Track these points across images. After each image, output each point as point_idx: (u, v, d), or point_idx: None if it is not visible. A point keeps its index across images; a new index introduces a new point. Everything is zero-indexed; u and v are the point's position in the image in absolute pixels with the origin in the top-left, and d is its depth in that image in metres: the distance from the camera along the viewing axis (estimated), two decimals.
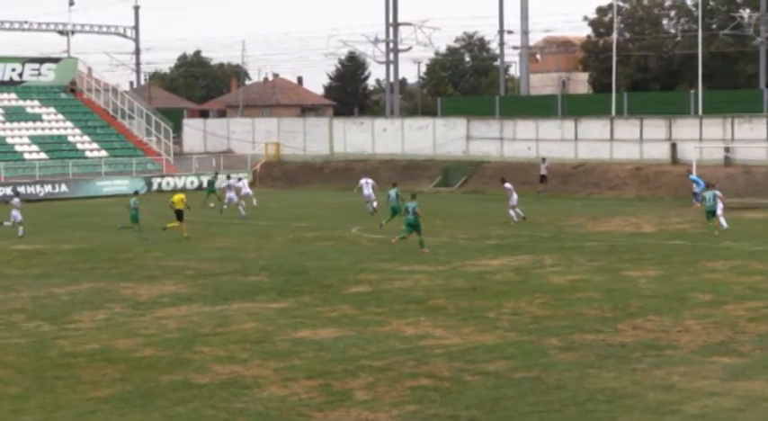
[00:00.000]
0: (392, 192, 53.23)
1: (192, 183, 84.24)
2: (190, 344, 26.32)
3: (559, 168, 74.94)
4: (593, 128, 77.74)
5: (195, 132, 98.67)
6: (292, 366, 23.88)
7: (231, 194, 61.28)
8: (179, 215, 50.82)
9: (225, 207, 61.56)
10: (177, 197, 51.94)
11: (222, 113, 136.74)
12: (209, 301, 32.71)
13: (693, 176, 63.17)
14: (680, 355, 24.42)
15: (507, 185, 55.74)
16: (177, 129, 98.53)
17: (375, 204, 58.96)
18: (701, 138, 72.39)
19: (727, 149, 71.45)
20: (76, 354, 25.43)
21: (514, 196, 54.81)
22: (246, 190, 64.35)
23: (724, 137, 72.28)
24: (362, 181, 61.23)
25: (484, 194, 74.13)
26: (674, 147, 73.52)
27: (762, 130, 71.17)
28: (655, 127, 75.06)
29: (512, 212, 54.33)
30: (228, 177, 67.88)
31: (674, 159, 73.05)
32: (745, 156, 70.41)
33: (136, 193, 56.66)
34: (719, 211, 48.95)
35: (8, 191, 71.83)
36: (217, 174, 73.51)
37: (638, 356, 24.34)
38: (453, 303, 31.62)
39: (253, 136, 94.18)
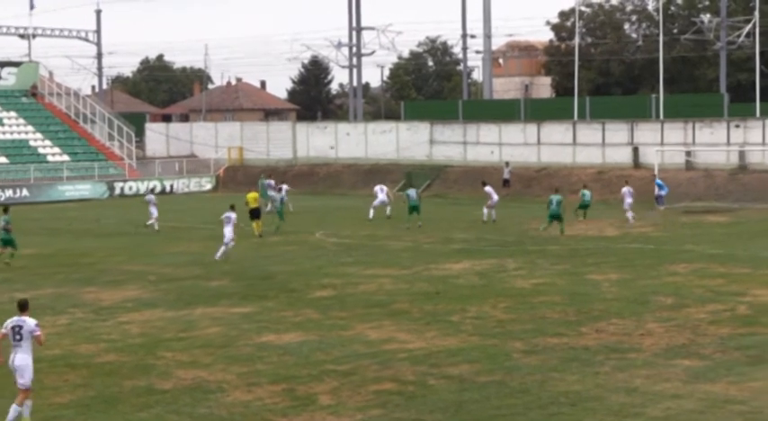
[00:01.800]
0: (412, 192, 54.40)
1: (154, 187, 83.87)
2: (153, 350, 26.23)
3: (522, 172, 75.16)
4: (556, 132, 78.02)
5: (158, 137, 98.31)
6: (256, 371, 23.84)
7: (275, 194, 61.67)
8: (255, 213, 51.60)
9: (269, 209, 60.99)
10: (251, 195, 52.75)
11: (185, 118, 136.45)
12: (172, 306, 32.61)
13: (658, 181, 63.54)
14: (642, 358, 24.54)
15: (487, 189, 56.86)
16: (140, 133, 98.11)
17: (389, 210, 58.92)
18: (662, 142, 72.78)
19: (688, 153, 71.86)
20: (38, 360, 25.10)
21: (494, 197, 56.41)
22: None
23: (685, 141, 72.69)
24: (377, 188, 61.17)
25: (447, 198, 74.22)
26: (635, 151, 73.89)
27: (722, 134, 71.62)
28: (617, 131, 75.41)
29: (486, 210, 55.33)
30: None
31: (636, 163, 73.41)
32: (705, 160, 70.87)
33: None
34: (626, 206, 54.66)
35: None
36: (269, 176, 72.53)
37: (601, 359, 24.46)
38: (417, 307, 31.66)
39: (216, 140, 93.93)
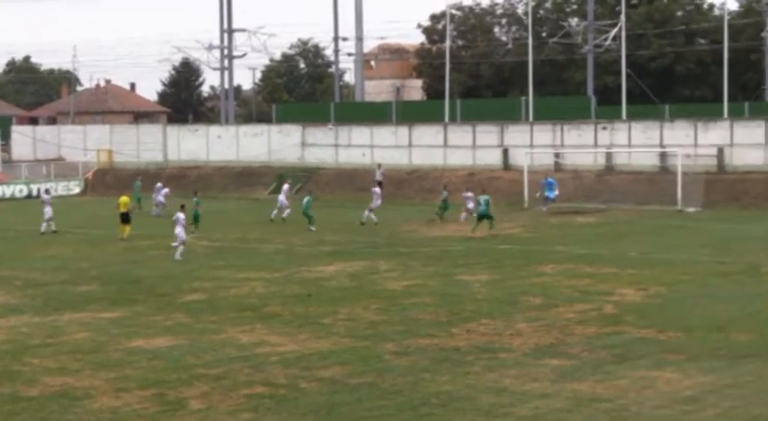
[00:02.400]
0: (482, 198, 53.24)
1: (20, 191, 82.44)
2: (19, 356, 25.78)
3: (394, 174, 75.46)
4: (427, 134, 78.48)
5: (24, 139, 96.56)
6: (125, 376, 23.58)
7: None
8: (125, 217, 51.28)
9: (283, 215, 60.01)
10: (123, 199, 52.42)
11: (53, 120, 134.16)
12: (39, 312, 32.09)
13: (550, 180, 64.13)
14: (512, 358, 24.82)
15: (377, 190, 59.24)
16: (5, 136, 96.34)
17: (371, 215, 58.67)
18: (531, 144, 73.66)
19: (556, 155, 72.83)
20: None
21: (378, 201, 57.85)
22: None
23: (554, 143, 73.68)
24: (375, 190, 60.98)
25: (319, 201, 74.03)
26: (505, 152, 74.67)
27: (590, 136, 72.75)
28: (487, 133, 76.12)
29: (367, 212, 56.69)
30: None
31: (506, 165, 74.19)
32: (574, 162, 71.90)
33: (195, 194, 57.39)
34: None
35: None
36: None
37: (472, 360, 24.67)
38: (289, 310, 31.61)
39: (84, 143, 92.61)
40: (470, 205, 56.46)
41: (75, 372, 24.02)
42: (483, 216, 51.50)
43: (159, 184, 67.19)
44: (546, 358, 24.77)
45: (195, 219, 51.88)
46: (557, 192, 63.61)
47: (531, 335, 27.44)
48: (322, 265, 41.25)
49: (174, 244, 44.43)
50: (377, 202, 57.14)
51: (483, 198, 52.29)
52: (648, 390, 21.75)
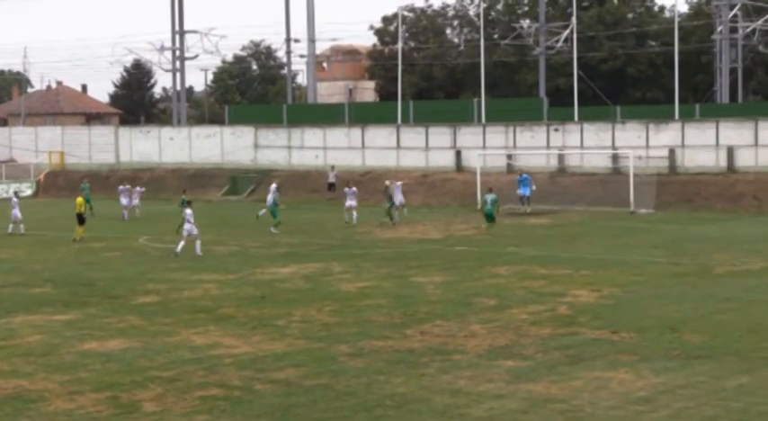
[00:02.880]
0: (488, 197, 53.75)
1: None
2: None
3: (347, 176, 75.38)
4: (380, 136, 78.57)
5: None
6: (79, 379, 23.43)
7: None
8: (80, 218, 51.31)
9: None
10: (79, 200, 52.44)
11: (3, 122, 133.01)
12: None
13: (524, 175, 64.30)
14: (466, 359, 24.86)
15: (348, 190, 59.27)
16: None
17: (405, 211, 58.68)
18: (484, 146, 73.91)
19: (509, 156, 73.11)
20: None
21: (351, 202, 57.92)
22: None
23: (506, 144, 73.98)
24: (391, 183, 60.22)
25: None
26: (458, 154, 74.87)
27: (542, 138, 73.10)
28: (440, 134, 76.31)
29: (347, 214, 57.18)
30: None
31: (459, 166, 74.39)
32: (526, 163, 72.17)
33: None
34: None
35: None
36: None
37: (426, 361, 24.69)
38: (243, 312, 31.53)
39: (36, 145, 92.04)
40: (399, 198, 56.73)
41: (29, 375, 23.84)
42: (488, 216, 52.00)
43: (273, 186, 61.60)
44: (500, 359, 24.83)
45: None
46: (534, 188, 63.64)
47: (485, 336, 27.51)
48: (276, 267, 41.19)
49: (182, 244, 45.07)
50: (350, 203, 57.36)
51: (490, 197, 52.83)
52: (602, 391, 21.86)
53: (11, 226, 54.91)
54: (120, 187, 66.43)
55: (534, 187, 63.62)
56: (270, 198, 55.93)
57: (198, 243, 45.34)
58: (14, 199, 57.15)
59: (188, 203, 47.73)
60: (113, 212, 64.41)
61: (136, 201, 64.90)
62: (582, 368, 23.85)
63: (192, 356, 25.54)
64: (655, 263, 41.08)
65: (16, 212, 55.32)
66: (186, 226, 45.40)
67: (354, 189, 59.16)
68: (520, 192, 63.38)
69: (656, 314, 30.35)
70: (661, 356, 24.93)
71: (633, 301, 32.52)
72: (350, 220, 56.65)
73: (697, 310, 30.90)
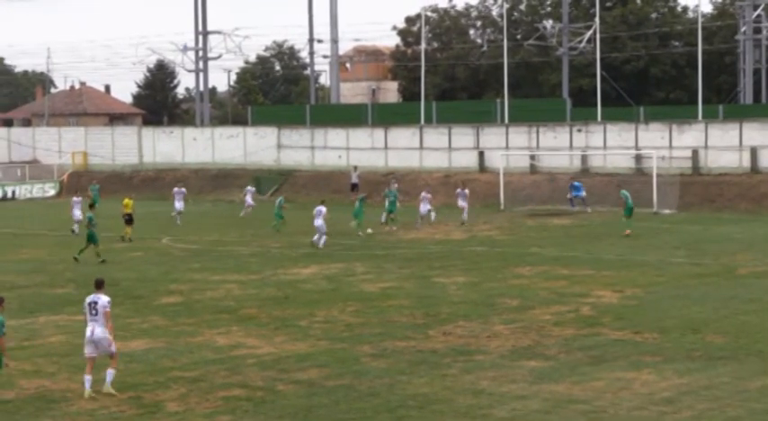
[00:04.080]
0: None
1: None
2: None
3: (370, 176, 75.47)
4: (403, 136, 78.57)
5: None
6: (102, 379, 23.46)
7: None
8: (128, 219, 51.51)
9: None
10: (127, 201, 52.46)
11: (27, 122, 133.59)
12: (14, 315, 31.84)
13: (576, 183, 64.30)
14: (489, 360, 24.85)
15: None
16: None
17: (433, 216, 57.89)
18: (507, 146, 73.83)
19: (532, 157, 73.02)
20: None
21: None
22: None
23: (529, 145, 73.87)
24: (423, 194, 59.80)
25: (295, 203, 74.01)
26: (481, 155, 74.80)
27: (565, 139, 72.97)
28: (463, 135, 76.25)
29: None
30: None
31: (482, 167, 74.32)
32: (549, 164, 72.10)
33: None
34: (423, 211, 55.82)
35: None
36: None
37: (449, 362, 24.69)
38: (265, 312, 31.58)
39: (59, 145, 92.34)
40: (424, 209, 55.94)
41: (52, 375, 23.94)
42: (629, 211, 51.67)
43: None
44: (523, 360, 24.82)
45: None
46: (583, 193, 63.78)
47: (508, 336, 27.50)
48: (298, 268, 41.23)
49: (315, 238, 47.09)
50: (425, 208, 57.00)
51: (624, 192, 52.48)
52: (625, 392, 21.82)
53: (75, 226, 54.79)
54: (176, 189, 62.19)
55: (583, 193, 63.87)
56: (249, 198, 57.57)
57: (324, 239, 47.38)
58: (75, 198, 56.64)
59: (322, 202, 49.37)
60: (137, 213, 64.44)
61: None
62: (604, 369, 23.81)
63: (215, 357, 25.60)
64: (677, 263, 40.97)
65: (77, 212, 55.11)
66: (317, 222, 47.43)
67: (467, 190, 59.02)
68: (575, 194, 63.40)
69: (678, 315, 30.28)
70: (683, 357, 24.87)
71: (655, 302, 32.45)
72: (462, 220, 56.13)
73: (719, 311, 30.81)
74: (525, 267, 40.33)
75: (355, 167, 75.83)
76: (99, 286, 22.87)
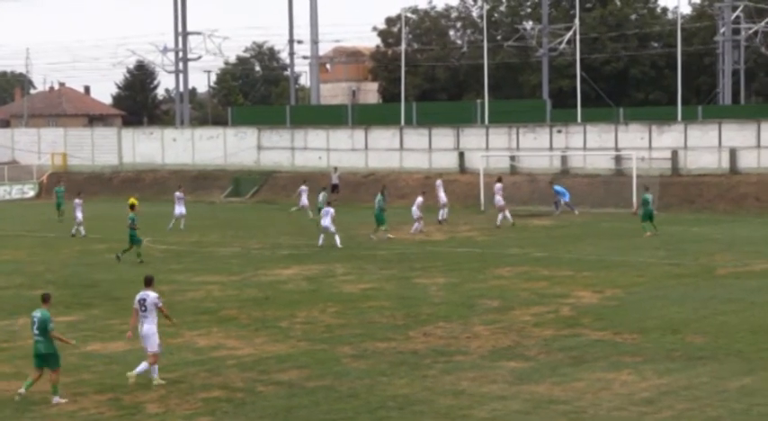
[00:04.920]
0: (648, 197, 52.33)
1: None
2: None
3: (350, 177, 75.48)
4: (383, 137, 78.57)
5: None
6: (81, 380, 23.46)
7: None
8: None
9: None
10: (131, 201, 51.33)
11: (6, 123, 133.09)
12: None
13: (558, 187, 64.32)
14: (469, 361, 24.88)
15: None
16: None
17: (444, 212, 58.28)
18: (487, 147, 73.89)
19: (512, 158, 73.10)
20: None
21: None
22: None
23: (509, 146, 73.95)
24: (437, 182, 60.62)
25: (275, 204, 74.12)
26: (461, 155, 74.85)
27: (545, 139, 73.08)
28: (443, 136, 76.28)
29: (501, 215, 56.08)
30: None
31: (462, 168, 74.37)
32: (530, 165, 72.20)
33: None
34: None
35: None
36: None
37: (429, 363, 24.71)
38: (246, 313, 31.56)
39: (38, 146, 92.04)
40: (564, 199, 56.25)
41: None
42: (648, 215, 51.27)
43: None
44: (503, 360, 24.86)
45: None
46: (567, 197, 63.82)
47: (488, 337, 27.54)
48: (279, 269, 41.21)
49: (321, 240, 47.83)
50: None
51: (647, 196, 51.88)
52: (605, 392, 21.88)
53: (74, 229, 54.54)
54: (177, 193, 58.70)
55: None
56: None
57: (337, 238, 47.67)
58: (77, 200, 56.05)
59: (329, 203, 49.47)
60: (117, 214, 64.36)
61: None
62: (584, 369, 23.87)
63: (195, 358, 25.57)
64: (657, 264, 41.09)
65: (78, 214, 54.80)
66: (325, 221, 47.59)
67: (500, 185, 58.51)
68: (561, 198, 63.40)
69: (658, 315, 30.37)
70: (663, 357, 24.94)
71: (635, 303, 32.54)
72: (503, 221, 56.03)
73: (699, 312, 30.91)
74: (505, 268, 40.38)
75: (335, 168, 75.81)
76: (148, 283, 23.53)
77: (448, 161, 75.45)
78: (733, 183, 65.82)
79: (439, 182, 61.68)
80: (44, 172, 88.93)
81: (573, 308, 31.78)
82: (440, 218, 57.71)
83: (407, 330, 28.66)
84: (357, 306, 32.61)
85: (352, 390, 22.35)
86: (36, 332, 22.10)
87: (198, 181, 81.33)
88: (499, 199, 57.29)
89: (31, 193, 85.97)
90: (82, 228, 54.27)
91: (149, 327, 23.03)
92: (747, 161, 67.27)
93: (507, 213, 56.48)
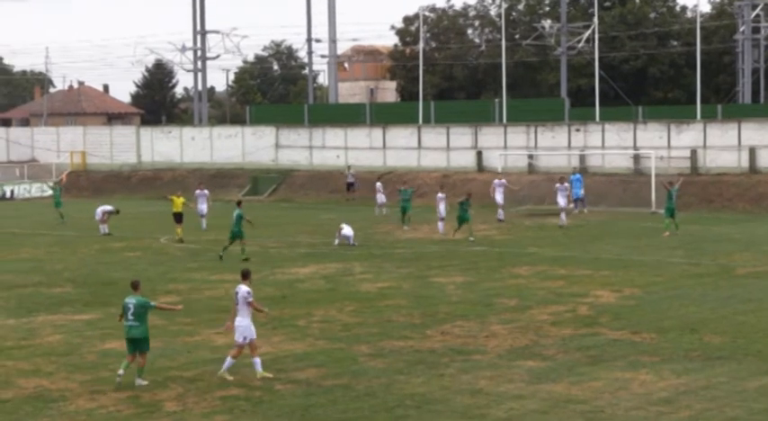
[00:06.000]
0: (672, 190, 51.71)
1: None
2: None
3: (368, 176, 75.42)
4: (401, 136, 78.56)
5: None
6: (100, 378, 23.51)
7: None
8: (178, 218, 50.97)
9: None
10: (179, 200, 51.84)
11: (26, 122, 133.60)
12: (12, 314, 31.96)
13: (576, 176, 63.73)
14: (487, 360, 24.86)
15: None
16: None
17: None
18: (505, 146, 73.83)
19: (530, 157, 73.03)
20: None
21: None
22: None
23: (528, 144, 73.87)
24: (496, 181, 59.92)
25: (293, 202, 74.18)
26: (479, 154, 74.80)
27: (563, 138, 72.97)
28: (461, 135, 76.24)
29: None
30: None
31: (480, 167, 74.31)
32: (548, 164, 72.10)
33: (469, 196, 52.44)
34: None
35: None
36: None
37: (447, 362, 24.70)
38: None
39: (58, 145, 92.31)
40: (442, 208, 53.78)
41: (50, 375, 23.94)
42: (669, 211, 50.94)
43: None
44: (521, 360, 24.83)
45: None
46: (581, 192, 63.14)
47: (505, 336, 27.50)
48: (296, 267, 41.22)
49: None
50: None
51: (671, 190, 51.52)
52: (623, 392, 21.83)
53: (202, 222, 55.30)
54: (197, 192, 57.88)
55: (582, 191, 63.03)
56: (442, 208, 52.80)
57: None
58: (106, 208, 55.73)
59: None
60: (135, 212, 64.54)
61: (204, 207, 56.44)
62: (602, 369, 23.83)
63: (213, 356, 25.59)
64: (675, 263, 40.98)
65: (202, 206, 55.37)
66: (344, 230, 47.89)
67: (567, 184, 58.21)
68: (575, 191, 62.43)
69: (676, 315, 30.30)
70: (681, 357, 24.88)
71: (653, 302, 32.46)
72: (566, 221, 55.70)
73: (717, 311, 30.82)
74: (523, 267, 40.32)
75: (349, 167, 75.83)
76: (244, 277, 24.18)
77: (466, 160, 75.41)
78: (752, 182, 65.59)
79: (497, 181, 60.28)
80: (63, 170, 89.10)
81: (591, 307, 31.72)
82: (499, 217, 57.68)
83: (425, 329, 28.65)
84: (374, 305, 32.61)
85: (369, 389, 22.35)
86: (131, 318, 23.15)
87: (216, 179, 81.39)
88: (500, 197, 57.69)
89: (51, 192, 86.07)
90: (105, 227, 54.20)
91: (240, 320, 23.56)
92: (767, 160, 67.04)
93: (501, 212, 57.19)
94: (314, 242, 49.70)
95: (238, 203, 46.42)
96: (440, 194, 53.89)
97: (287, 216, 63.87)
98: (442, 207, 52.66)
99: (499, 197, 58.58)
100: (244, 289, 23.74)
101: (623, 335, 27.57)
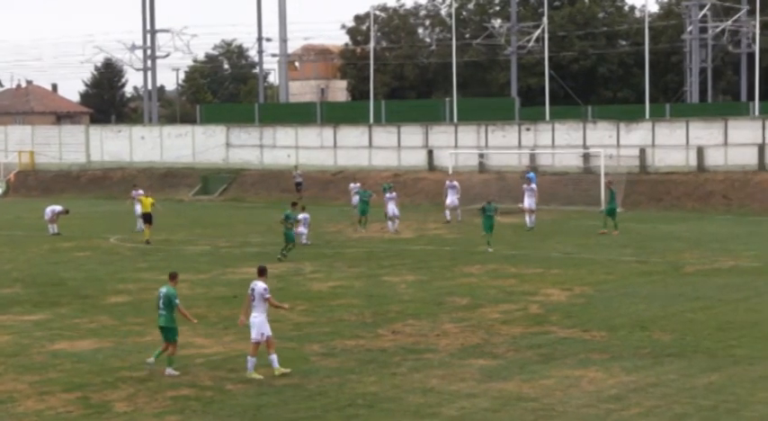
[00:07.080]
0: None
1: None
2: None
3: (319, 175, 75.43)
4: (352, 135, 78.54)
5: None
6: (49, 379, 23.34)
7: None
8: (147, 218, 50.20)
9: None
10: (147, 200, 51.05)
11: None
12: None
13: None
14: (438, 358, 24.90)
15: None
16: None
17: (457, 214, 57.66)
18: (456, 145, 73.99)
19: (481, 156, 73.22)
20: None
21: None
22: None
23: (478, 143, 74.06)
24: (447, 183, 59.48)
25: (244, 202, 74.01)
26: (430, 153, 74.92)
27: (514, 137, 73.22)
28: (412, 134, 76.33)
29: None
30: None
31: (431, 166, 74.43)
32: (498, 163, 72.33)
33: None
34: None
35: None
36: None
37: (398, 361, 24.72)
38: (215, 312, 31.48)
39: (5, 144, 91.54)
40: (391, 208, 53.88)
41: None
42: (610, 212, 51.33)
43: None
44: (472, 358, 24.88)
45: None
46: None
47: (457, 335, 27.56)
48: (247, 267, 41.03)
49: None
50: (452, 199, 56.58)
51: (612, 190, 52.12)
52: (574, 389, 21.93)
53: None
54: (134, 192, 57.51)
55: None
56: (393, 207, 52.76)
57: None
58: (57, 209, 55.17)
59: (303, 208, 48.64)
60: (85, 212, 64.11)
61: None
62: (553, 367, 23.92)
63: (163, 356, 25.42)
64: (625, 261, 41.22)
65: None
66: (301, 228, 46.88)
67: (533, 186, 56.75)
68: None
69: (626, 313, 30.48)
70: (631, 355, 25.03)
71: (604, 300, 32.64)
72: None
73: (667, 309, 31.03)
74: (474, 266, 40.42)
75: (296, 166, 75.73)
76: (261, 273, 24.13)
77: (417, 159, 75.51)
78: (700, 180, 66.12)
79: (448, 183, 60.07)
80: (11, 170, 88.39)
81: (541, 305, 31.85)
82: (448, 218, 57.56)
83: (376, 328, 28.66)
84: (326, 304, 32.59)
85: (320, 389, 22.33)
86: (161, 306, 23.82)
87: (166, 179, 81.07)
88: (454, 199, 57.55)
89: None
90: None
91: (255, 316, 23.47)
92: (714, 159, 67.61)
93: (448, 212, 57.11)
94: (265, 241, 49.56)
95: (293, 204, 47.28)
96: (388, 194, 53.87)
97: (238, 215, 63.68)
98: (390, 207, 52.71)
99: (450, 199, 58.57)
100: (261, 285, 23.59)
101: (574, 333, 27.70)
